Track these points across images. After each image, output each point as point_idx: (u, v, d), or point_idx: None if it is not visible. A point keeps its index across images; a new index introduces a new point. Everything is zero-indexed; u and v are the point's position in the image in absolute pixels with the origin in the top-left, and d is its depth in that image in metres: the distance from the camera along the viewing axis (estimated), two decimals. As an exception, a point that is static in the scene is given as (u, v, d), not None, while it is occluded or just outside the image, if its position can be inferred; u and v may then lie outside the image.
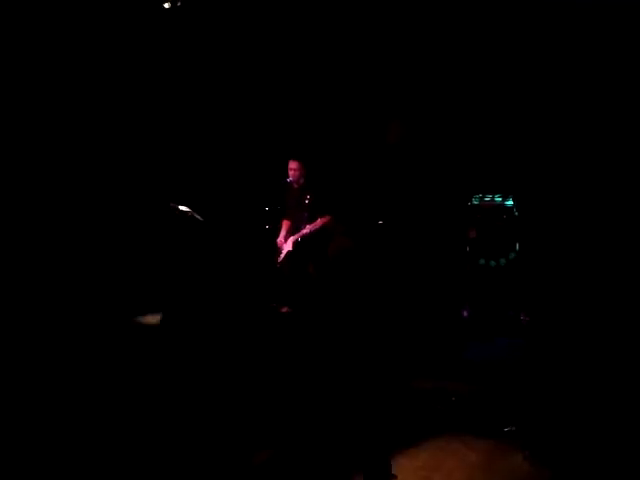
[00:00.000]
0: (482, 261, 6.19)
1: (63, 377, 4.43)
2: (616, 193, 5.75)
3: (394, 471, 3.32)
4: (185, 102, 6.85)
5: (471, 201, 6.39)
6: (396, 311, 5.80)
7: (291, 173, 6.19)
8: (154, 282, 6.32)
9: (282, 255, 6.18)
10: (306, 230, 6.09)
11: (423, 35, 6.38)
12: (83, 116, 6.22)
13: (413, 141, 6.49)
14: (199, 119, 6.97)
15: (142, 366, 5.00)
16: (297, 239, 6.14)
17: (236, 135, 7.07)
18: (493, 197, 6.36)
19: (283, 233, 6.33)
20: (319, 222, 6.10)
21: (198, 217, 6.20)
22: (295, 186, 6.27)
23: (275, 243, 6.33)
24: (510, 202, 6.31)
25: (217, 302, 6.22)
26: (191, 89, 6.86)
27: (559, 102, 6.07)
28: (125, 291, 6.21)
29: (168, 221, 6.40)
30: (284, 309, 6.08)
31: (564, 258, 5.85)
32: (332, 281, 5.94)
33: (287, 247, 6.16)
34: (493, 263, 6.17)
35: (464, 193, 6.48)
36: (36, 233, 5.83)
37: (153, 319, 5.90)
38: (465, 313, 5.86)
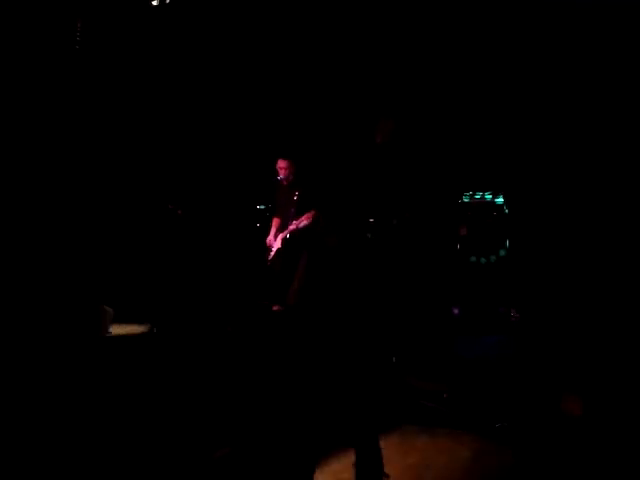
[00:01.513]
0: (473, 258, 6.20)
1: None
2: (606, 189, 5.77)
3: (386, 469, 3.31)
4: (174, 101, 6.84)
5: (461, 199, 6.40)
6: (387, 308, 5.81)
7: (281, 172, 6.20)
8: (146, 280, 6.31)
9: (272, 253, 6.18)
10: (292, 226, 6.10)
11: (410, 33, 6.38)
12: (75, 116, 6.19)
13: (403, 138, 6.50)
14: (189, 119, 6.96)
15: (133, 364, 4.99)
16: (285, 236, 6.14)
17: (226, 134, 7.06)
18: (483, 195, 6.37)
19: (273, 231, 6.33)
20: (304, 218, 6.11)
21: (188, 215, 6.21)
22: (285, 184, 6.27)
23: (265, 241, 6.34)
24: (500, 199, 6.32)
25: (208, 301, 6.22)
26: (180, 88, 6.85)
27: (548, 99, 6.08)
28: (115, 289, 6.20)
29: (159, 220, 6.40)
30: (275, 307, 6.08)
31: (554, 255, 5.87)
32: (324, 279, 5.95)
33: (276, 245, 6.16)
34: (484, 260, 6.18)
35: (454, 191, 6.49)
36: (35, 232, 5.81)
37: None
38: (456, 310, 5.86)
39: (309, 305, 5.84)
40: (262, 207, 6.64)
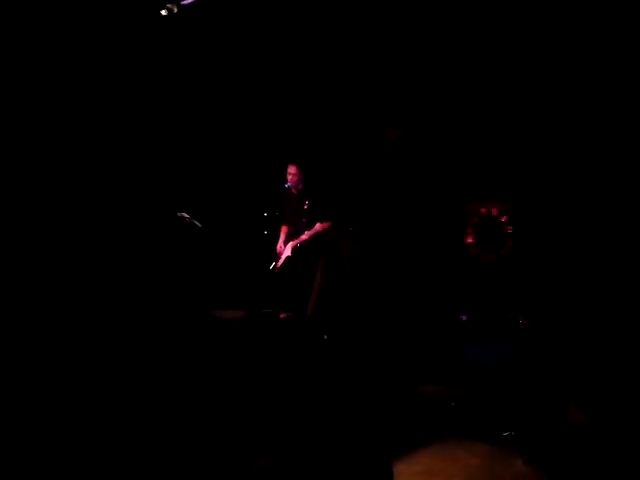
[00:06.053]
0: (480, 265, 6.20)
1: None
2: (614, 196, 5.75)
3: (394, 477, 3.32)
4: (183, 108, 6.87)
5: (469, 205, 6.40)
6: (396, 316, 5.82)
7: (289, 177, 6.22)
8: (153, 288, 6.32)
9: (281, 261, 6.20)
10: (304, 236, 6.12)
11: (419, 40, 6.39)
12: (82, 123, 6.22)
13: (410, 145, 6.51)
14: (197, 125, 6.99)
15: (139, 373, 5.00)
16: (296, 245, 6.16)
17: (234, 141, 7.09)
18: (491, 201, 6.37)
19: (282, 238, 6.35)
20: (318, 227, 6.12)
21: (197, 223, 6.22)
22: (294, 191, 6.29)
23: (274, 249, 6.36)
24: (508, 206, 6.32)
25: (215, 307, 6.23)
26: (189, 96, 6.88)
27: (555, 107, 6.08)
28: (123, 297, 6.21)
29: (167, 227, 6.41)
30: (283, 315, 6.09)
31: (563, 262, 5.86)
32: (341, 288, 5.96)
33: (286, 253, 6.18)
34: (491, 266, 6.18)
35: (462, 197, 6.49)
36: (36, 237, 5.83)
37: None
38: (464, 317, 5.85)
39: (328, 315, 5.86)
40: (270, 214, 6.65)
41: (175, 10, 6.08)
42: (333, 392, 4.07)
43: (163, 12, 6.07)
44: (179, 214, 6.40)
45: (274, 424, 4.06)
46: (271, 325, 6.00)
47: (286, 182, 6.25)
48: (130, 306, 6.22)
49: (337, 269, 6.08)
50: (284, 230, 6.40)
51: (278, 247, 6.30)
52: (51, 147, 5.89)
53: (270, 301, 6.35)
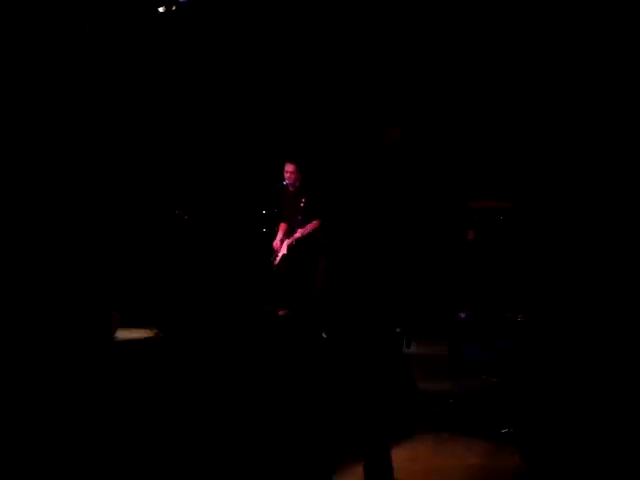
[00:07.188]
0: (480, 262, 6.19)
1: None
2: (616, 194, 5.74)
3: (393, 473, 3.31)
4: (181, 107, 6.86)
5: (469, 203, 6.39)
6: (395, 312, 5.80)
7: (287, 176, 6.22)
8: (151, 285, 6.32)
9: (278, 258, 6.21)
10: (297, 234, 6.14)
11: (418, 38, 6.39)
12: (83, 121, 6.22)
13: (410, 143, 6.49)
14: (195, 123, 6.98)
15: (144, 371, 5.00)
16: (291, 243, 6.17)
17: (232, 139, 7.08)
18: (491, 199, 6.36)
19: (280, 236, 6.36)
20: (309, 226, 6.14)
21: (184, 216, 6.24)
22: (291, 189, 6.29)
23: (272, 246, 6.36)
24: (509, 204, 6.30)
25: (214, 305, 6.23)
26: (187, 94, 6.87)
27: (556, 105, 6.07)
28: (120, 294, 6.20)
29: (163, 224, 6.42)
30: (281, 312, 6.09)
31: (562, 260, 5.85)
32: (337, 284, 5.94)
33: (282, 251, 6.20)
34: (490, 265, 6.17)
35: (462, 195, 6.48)
36: (37, 237, 5.83)
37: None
38: (462, 315, 5.85)
39: (327, 314, 5.84)
40: (268, 212, 6.66)
41: (173, 7, 6.10)
42: (332, 388, 4.06)
43: (161, 9, 6.08)
44: (177, 212, 6.41)
45: (273, 421, 4.06)
46: (269, 322, 6.00)
47: (284, 180, 6.25)
48: (129, 305, 6.22)
49: (337, 269, 6.06)
50: (282, 228, 6.40)
51: (275, 244, 6.30)
52: (48, 144, 5.88)
53: (269, 299, 6.35)
